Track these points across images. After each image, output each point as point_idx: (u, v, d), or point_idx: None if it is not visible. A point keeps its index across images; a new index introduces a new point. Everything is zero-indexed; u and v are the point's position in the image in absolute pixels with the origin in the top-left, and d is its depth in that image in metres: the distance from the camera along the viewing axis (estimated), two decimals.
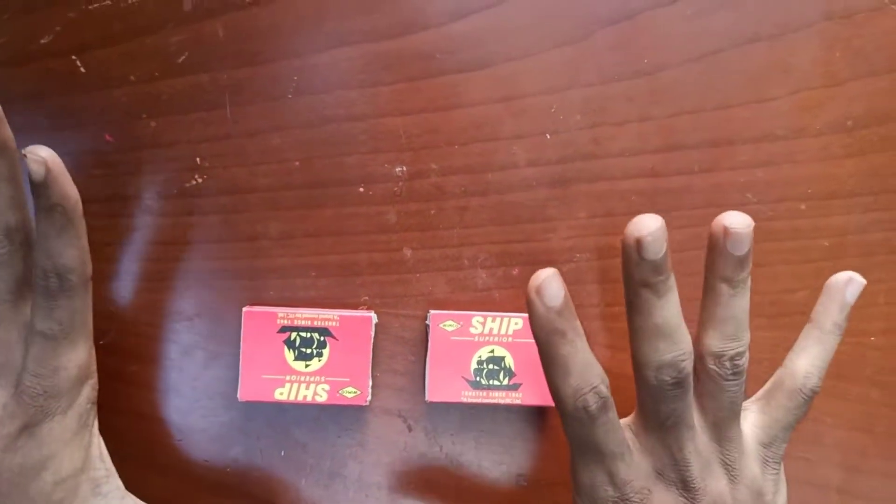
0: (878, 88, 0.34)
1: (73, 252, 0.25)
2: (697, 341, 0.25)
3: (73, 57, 0.32)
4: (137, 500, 0.28)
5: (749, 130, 0.34)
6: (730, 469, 0.25)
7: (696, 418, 0.26)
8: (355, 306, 0.34)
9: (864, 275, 0.34)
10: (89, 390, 0.27)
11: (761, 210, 0.34)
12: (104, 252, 0.33)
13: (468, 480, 0.34)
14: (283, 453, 0.34)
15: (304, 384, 0.31)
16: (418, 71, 0.33)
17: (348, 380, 0.31)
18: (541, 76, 0.33)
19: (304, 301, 0.33)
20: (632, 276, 0.23)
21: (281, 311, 0.31)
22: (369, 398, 0.31)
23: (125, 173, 0.33)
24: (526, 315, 0.31)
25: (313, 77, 0.33)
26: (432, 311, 0.32)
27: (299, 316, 0.31)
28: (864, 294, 0.35)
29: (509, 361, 0.32)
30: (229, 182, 0.33)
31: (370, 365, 0.31)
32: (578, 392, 0.24)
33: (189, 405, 0.33)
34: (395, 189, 0.34)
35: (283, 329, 0.31)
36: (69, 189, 0.25)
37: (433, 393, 0.31)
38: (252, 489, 0.34)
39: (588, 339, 0.33)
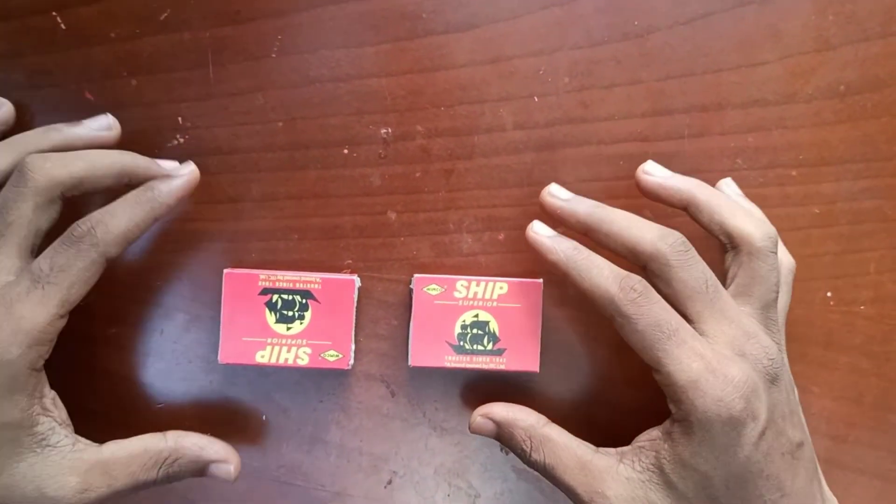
0: (870, 54, 0.34)
1: (126, 227, 0.26)
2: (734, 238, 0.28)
3: (54, 13, 0.32)
4: (90, 443, 0.27)
5: (739, 95, 0.33)
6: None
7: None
8: (338, 270, 0.33)
9: (854, 243, 0.34)
10: (34, 357, 0.25)
11: (751, 176, 0.34)
12: (85, 212, 0.33)
13: (451, 447, 0.33)
14: (264, 418, 0.33)
15: (286, 347, 0.31)
16: (404, 31, 0.33)
17: (330, 343, 0.31)
18: (528, 38, 0.33)
19: (286, 264, 0.33)
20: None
21: (262, 274, 0.31)
22: (351, 362, 0.31)
23: None
24: (511, 280, 0.31)
25: (297, 36, 0.33)
26: (416, 275, 0.31)
27: (281, 278, 0.31)
28: (855, 263, 0.34)
29: (494, 326, 0.31)
30: (211, 142, 0.33)
31: (353, 328, 0.31)
32: (620, 278, 0.26)
33: (169, 368, 0.33)
34: (380, 151, 0.33)
35: (265, 291, 0.31)
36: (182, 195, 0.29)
37: (416, 357, 0.31)
38: None
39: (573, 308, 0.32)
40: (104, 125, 0.30)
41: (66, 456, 0.26)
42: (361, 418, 0.33)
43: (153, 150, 0.32)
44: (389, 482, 0.33)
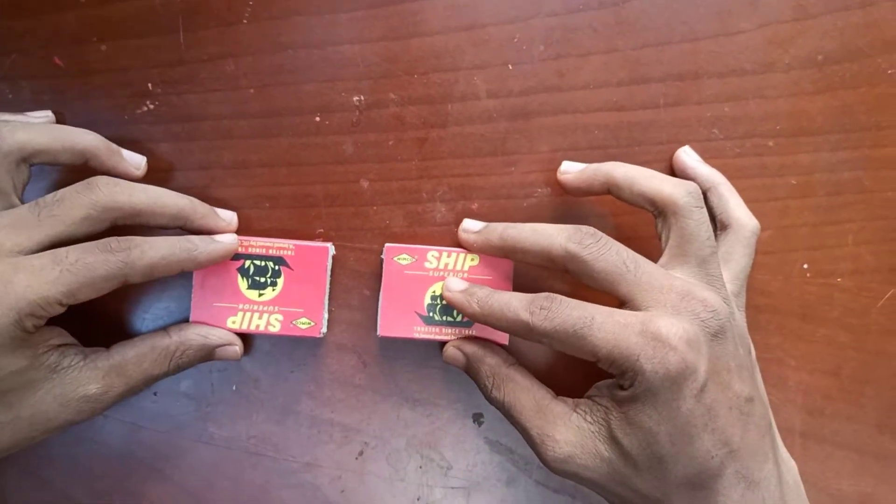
0: (850, 23, 0.33)
1: (157, 262, 0.27)
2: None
3: None
4: (98, 350, 0.29)
5: (716, 64, 0.33)
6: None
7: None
8: (311, 238, 0.33)
9: (831, 215, 0.34)
10: (28, 325, 0.25)
11: (727, 146, 0.33)
12: (55, 179, 0.32)
13: (423, 419, 0.33)
14: (234, 388, 0.33)
15: (258, 314, 0.31)
16: None
17: (302, 310, 0.31)
18: (503, 5, 0.32)
19: (258, 232, 0.33)
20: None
21: None
22: (324, 330, 0.31)
23: (75, 98, 0.32)
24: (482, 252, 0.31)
25: (269, 2, 0.32)
26: (387, 245, 0.31)
27: (254, 244, 0.30)
28: (832, 234, 0.34)
29: None
30: (182, 109, 0.32)
31: (326, 296, 0.31)
32: (528, 303, 0.27)
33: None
34: (353, 119, 0.33)
35: (237, 257, 0.30)
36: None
37: (385, 327, 0.31)
38: (203, 423, 0.33)
39: (548, 275, 0.32)
40: (136, 163, 0.31)
41: (81, 370, 0.27)
42: (333, 389, 0.33)
43: (123, 115, 0.32)
44: (361, 453, 0.33)
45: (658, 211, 0.28)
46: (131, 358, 0.29)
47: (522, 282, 0.32)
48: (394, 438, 0.33)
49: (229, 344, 0.30)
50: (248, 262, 0.30)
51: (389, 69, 0.33)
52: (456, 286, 0.30)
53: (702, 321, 0.26)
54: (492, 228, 0.30)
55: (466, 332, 0.31)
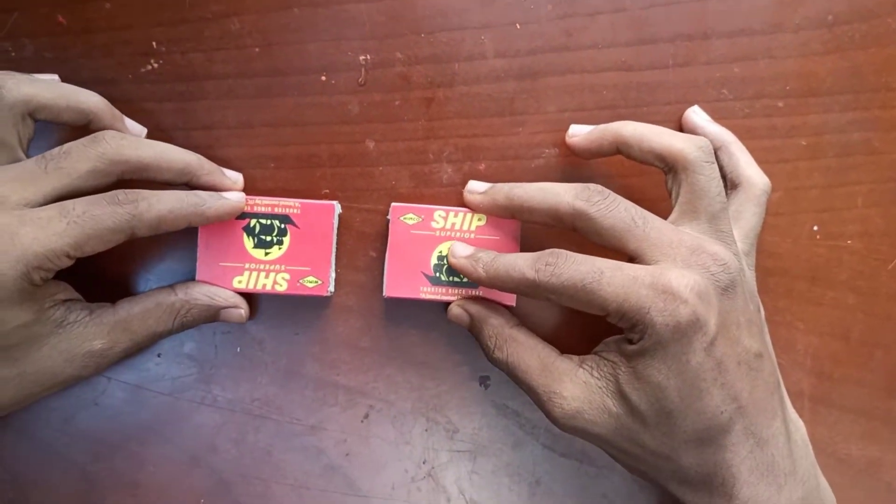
0: None
1: (164, 215, 0.27)
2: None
3: None
4: (104, 305, 0.28)
5: (725, 24, 0.33)
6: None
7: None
8: (315, 199, 0.32)
9: (841, 177, 0.33)
10: (35, 278, 0.25)
11: (737, 107, 0.33)
12: (57, 138, 0.32)
13: (429, 382, 0.33)
14: (238, 350, 0.32)
15: (264, 273, 0.30)
16: None
17: (309, 269, 0.30)
18: None
19: (263, 192, 0.32)
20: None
21: None
22: (331, 289, 0.30)
23: (78, 56, 0.32)
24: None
25: None
26: (393, 204, 0.31)
27: (259, 202, 0.30)
28: (842, 196, 0.34)
29: None
30: (185, 68, 0.32)
31: (333, 254, 0.30)
32: (533, 260, 0.27)
33: None
34: (359, 78, 0.32)
35: (243, 216, 0.30)
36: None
37: (391, 288, 0.30)
38: (206, 385, 0.32)
39: (556, 236, 0.32)
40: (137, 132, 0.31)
41: (86, 326, 0.27)
42: (339, 351, 0.33)
43: (126, 74, 0.32)
44: (366, 416, 0.33)
45: (668, 167, 0.28)
46: (136, 314, 0.28)
47: (530, 245, 0.31)
48: (399, 401, 0.33)
49: (234, 307, 0.30)
50: (253, 221, 0.30)
51: (396, 28, 0.32)
52: (461, 251, 0.29)
53: (712, 274, 0.25)
54: (497, 188, 0.30)
55: (473, 292, 0.31)
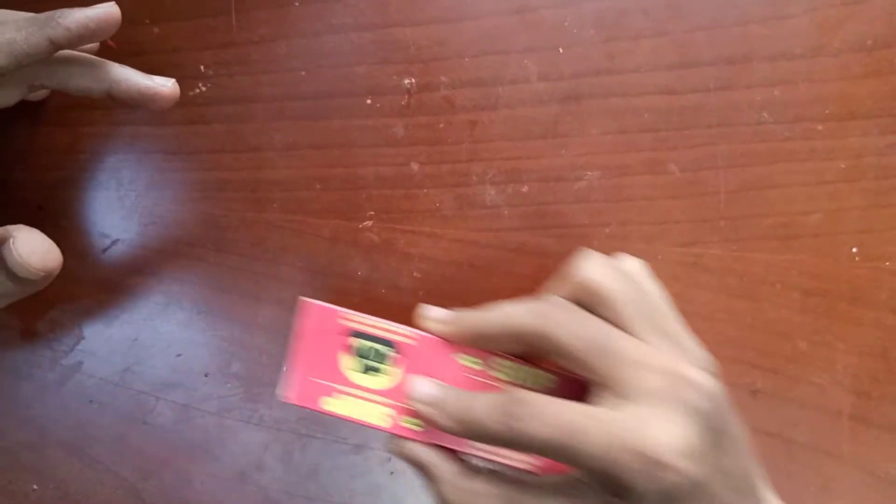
0: None
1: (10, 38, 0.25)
2: None
3: None
4: None
5: (766, 48, 0.33)
6: None
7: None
8: (360, 220, 0.33)
9: (880, 199, 0.34)
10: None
11: (777, 130, 0.33)
12: (107, 161, 0.32)
13: None
14: (284, 369, 0.33)
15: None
16: None
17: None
18: None
19: (308, 213, 0.33)
20: None
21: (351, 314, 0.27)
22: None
23: None
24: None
25: None
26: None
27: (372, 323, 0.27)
28: (881, 218, 0.34)
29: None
30: (234, 91, 0.33)
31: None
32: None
33: (189, 318, 0.33)
34: (403, 101, 0.33)
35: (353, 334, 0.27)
36: None
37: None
38: (253, 405, 0.33)
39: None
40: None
41: None
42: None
43: None
44: None
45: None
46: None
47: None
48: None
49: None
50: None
51: (440, 52, 0.33)
52: (424, 387, 0.26)
53: (696, 411, 0.23)
54: (460, 319, 0.26)
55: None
